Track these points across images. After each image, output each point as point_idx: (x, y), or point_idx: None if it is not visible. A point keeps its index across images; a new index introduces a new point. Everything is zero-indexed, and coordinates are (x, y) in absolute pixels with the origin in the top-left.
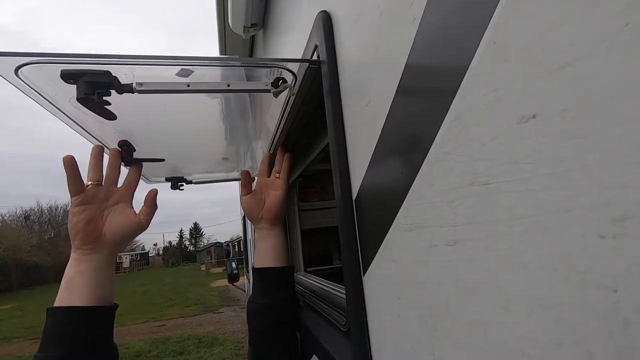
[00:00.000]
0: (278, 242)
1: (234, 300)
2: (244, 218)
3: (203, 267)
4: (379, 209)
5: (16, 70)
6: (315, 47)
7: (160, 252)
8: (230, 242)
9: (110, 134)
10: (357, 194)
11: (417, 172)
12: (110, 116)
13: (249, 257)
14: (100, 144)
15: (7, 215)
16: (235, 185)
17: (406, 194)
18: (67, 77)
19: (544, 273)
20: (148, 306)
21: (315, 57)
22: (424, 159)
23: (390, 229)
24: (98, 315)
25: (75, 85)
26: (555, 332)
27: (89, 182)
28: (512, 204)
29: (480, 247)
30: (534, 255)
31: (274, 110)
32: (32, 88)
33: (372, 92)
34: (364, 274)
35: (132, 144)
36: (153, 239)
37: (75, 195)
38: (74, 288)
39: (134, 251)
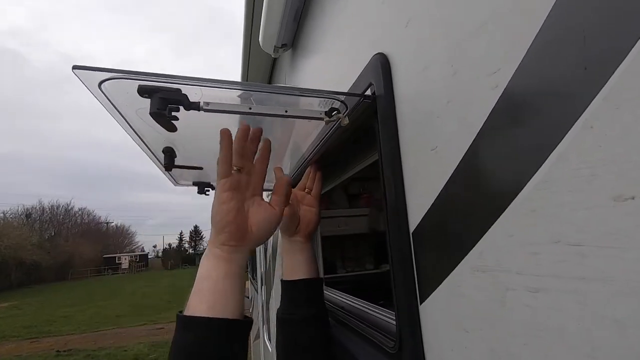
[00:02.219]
0: (312, 256)
1: None
2: None
3: None
4: (445, 247)
5: (100, 84)
6: (370, 84)
7: (160, 254)
8: None
9: (159, 140)
10: (416, 228)
11: (494, 223)
12: (172, 128)
13: (256, 264)
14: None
15: (9, 213)
16: None
17: (479, 239)
18: (143, 91)
19: (639, 331)
20: (147, 309)
21: (369, 94)
22: (502, 212)
23: (458, 266)
24: (244, 330)
25: (147, 99)
26: None
27: (234, 166)
28: (605, 267)
29: (569, 298)
30: (630, 315)
31: (310, 131)
32: (109, 100)
33: (440, 140)
34: (420, 303)
35: (175, 150)
36: (153, 240)
37: (223, 177)
38: (220, 294)
39: (134, 252)
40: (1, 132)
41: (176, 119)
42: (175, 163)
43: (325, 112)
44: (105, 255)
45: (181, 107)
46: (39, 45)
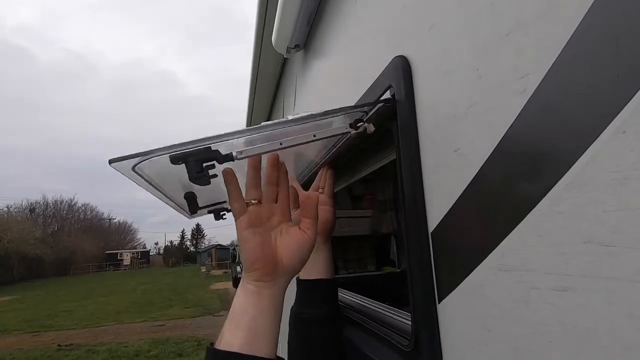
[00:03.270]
0: (329, 256)
1: None
2: None
3: (203, 269)
4: (466, 247)
5: (133, 167)
6: (390, 86)
7: (161, 251)
8: (237, 245)
9: (179, 189)
10: (436, 228)
11: (519, 223)
12: (206, 182)
13: None
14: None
15: (13, 207)
16: None
17: (503, 239)
18: (176, 160)
19: None
20: (148, 305)
21: (388, 96)
22: (527, 213)
23: (479, 266)
24: None
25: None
26: None
27: (249, 200)
28: (636, 267)
29: (598, 298)
30: None
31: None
32: (144, 179)
33: (463, 141)
34: (439, 302)
35: (195, 193)
36: (155, 237)
37: (239, 215)
38: (257, 331)
39: (135, 249)
40: (7, 126)
41: (215, 176)
42: (200, 205)
43: (350, 124)
44: (107, 252)
45: (216, 163)
46: (46, 42)
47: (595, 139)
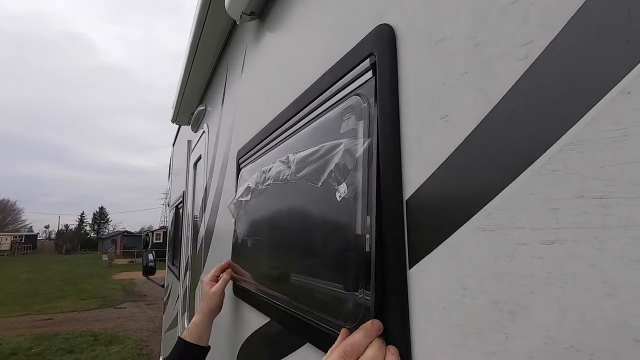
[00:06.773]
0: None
1: (140, 296)
2: (176, 207)
3: (105, 257)
4: (445, 212)
5: None
6: (370, 54)
7: (53, 235)
8: (149, 231)
9: None
10: (412, 196)
11: (510, 183)
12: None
13: (180, 248)
14: None
15: None
16: (160, 173)
17: (490, 200)
18: None
19: None
20: (32, 297)
21: (367, 64)
22: (520, 173)
23: (460, 229)
24: None
25: None
26: None
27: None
28: (628, 215)
29: (587, 246)
30: None
31: None
32: None
33: (452, 108)
34: (409, 268)
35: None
36: (45, 219)
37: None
38: None
39: (18, 232)
40: None
41: None
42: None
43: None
44: None
45: None
46: None
47: (598, 100)
